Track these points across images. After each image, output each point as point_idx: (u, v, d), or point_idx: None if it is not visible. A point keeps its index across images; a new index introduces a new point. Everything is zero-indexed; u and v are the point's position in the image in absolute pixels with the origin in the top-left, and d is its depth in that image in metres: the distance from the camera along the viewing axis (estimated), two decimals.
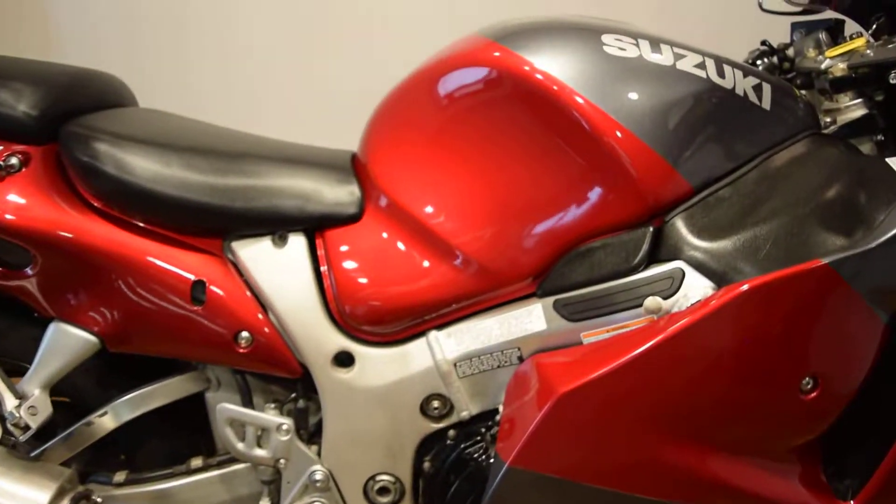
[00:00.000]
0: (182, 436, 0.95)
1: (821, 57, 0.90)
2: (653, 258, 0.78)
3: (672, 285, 0.76)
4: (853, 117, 0.89)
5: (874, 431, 0.81)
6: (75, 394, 0.93)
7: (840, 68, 0.86)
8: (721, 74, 0.81)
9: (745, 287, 0.72)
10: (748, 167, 0.81)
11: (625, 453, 0.76)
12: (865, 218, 0.76)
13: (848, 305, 0.73)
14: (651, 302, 0.75)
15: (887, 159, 0.82)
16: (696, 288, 0.75)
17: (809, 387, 0.75)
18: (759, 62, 0.99)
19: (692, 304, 0.74)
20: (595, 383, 0.74)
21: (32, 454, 0.89)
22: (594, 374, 0.74)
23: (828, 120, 0.90)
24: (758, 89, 0.84)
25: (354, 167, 0.90)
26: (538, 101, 0.78)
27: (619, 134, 0.76)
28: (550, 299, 0.81)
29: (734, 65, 0.83)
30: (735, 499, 0.80)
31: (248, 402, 0.89)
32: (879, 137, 0.87)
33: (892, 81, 0.82)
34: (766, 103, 0.84)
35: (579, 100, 0.77)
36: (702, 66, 0.81)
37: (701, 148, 0.79)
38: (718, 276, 0.75)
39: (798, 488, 0.82)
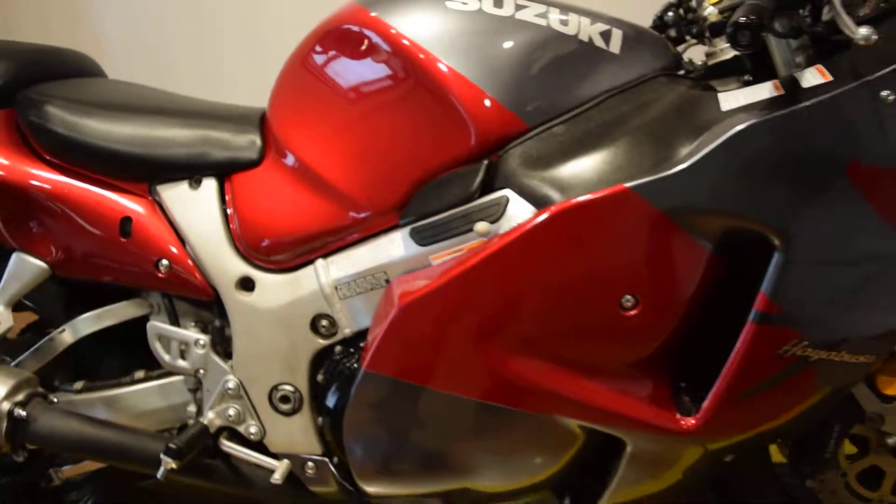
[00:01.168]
0: (134, 354, 1.13)
1: (704, 3, 0.96)
2: (488, 188, 0.87)
3: (498, 210, 0.85)
4: (724, 59, 0.94)
5: (715, 351, 0.87)
6: (46, 318, 1.13)
7: (714, 13, 0.92)
8: (564, 23, 0.89)
9: (553, 210, 0.80)
10: (588, 106, 0.89)
11: (462, 360, 0.86)
12: (680, 146, 0.82)
13: (656, 228, 0.80)
14: (480, 226, 0.85)
15: (719, 93, 0.88)
16: (519, 212, 0.84)
17: (630, 304, 0.83)
18: (666, 14, 1.06)
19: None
20: (429, 296, 0.84)
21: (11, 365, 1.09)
22: (427, 289, 0.84)
23: (709, 63, 0.96)
24: (606, 35, 0.91)
25: (262, 121, 1.04)
26: (385, 53, 0.89)
27: (454, 79, 0.87)
28: (408, 228, 0.92)
29: (584, 13, 0.91)
30: (578, 410, 0.88)
31: (175, 322, 1.05)
32: (747, 78, 0.92)
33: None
34: (615, 47, 0.91)
35: (419, 52, 0.87)
36: (543, 15, 0.89)
37: (536, 89, 0.88)
38: (539, 201, 0.84)
39: (642, 403, 0.89)
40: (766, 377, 0.86)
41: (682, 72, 0.97)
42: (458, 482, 0.94)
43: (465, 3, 0.89)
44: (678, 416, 0.89)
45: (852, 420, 1.04)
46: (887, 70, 0.76)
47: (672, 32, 1.05)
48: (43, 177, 1.02)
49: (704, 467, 0.95)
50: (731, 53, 0.93)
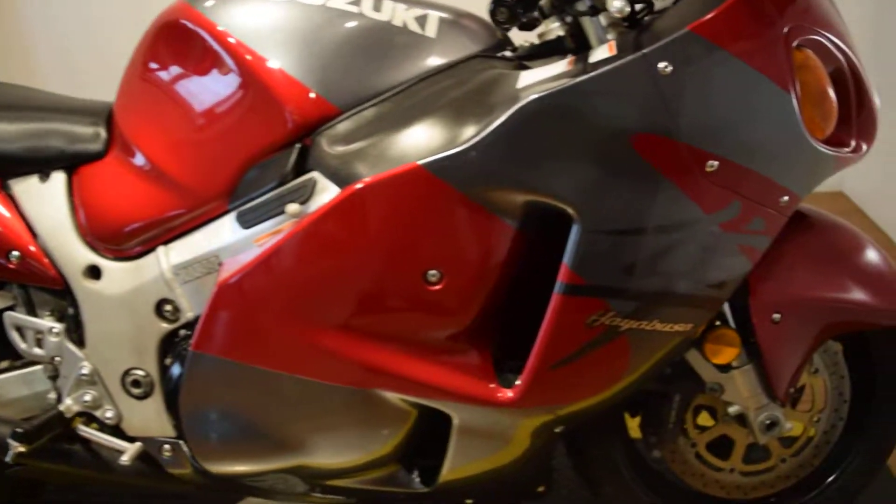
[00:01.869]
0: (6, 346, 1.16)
1: None
2: (301, 171, 0.90)
3: (307, 192, 0.88)
4: (549, 39, 0.97)
5: (535, 323, 0.90)
6: None
7: None
8: (377, 9, 0.92)
9: (348, 189, 0.83)
10: (400, 89, 0.91)
11: (279, 338, 0.89)
12: (474, 124, 0.85)
13: (449, 204, 0.83)
14: (290, 207, 0.87)
15: (522, 72, 0.90)
16: (326, 193, 0.87)
17: (435, 279, 0.86)
18: None
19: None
20: (243, 277, 0.88)
21: None
22: (241, 270, 0.87)
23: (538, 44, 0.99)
24: (421, 19, 0.94)
25: (109, 114, 1.06)
26: (202, 44, 0.92)
27: (266, 68, 0.89)
28: (234, 213, 0.95)
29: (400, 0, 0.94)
30: (396, 384, 0.91)
31: (32, 312, 1.08)
32: (570, 57, 0.95)
33: None
34: (431, 31, 0.94)
35: (231, 40, 0.90)
36: (356, 3, 0.92)
37: (347, 74, 0.91)
38: (343, 181, 0.86)
39: (461, 376, 0.92)
40: (576, 347, 0.88)
41: (507, 53, 0.99)
42: (295, 459, 0.97)
43: None
44: (498, 388, 0.92)
45: (693, 390, 1.06)
46: (663, 42, 0.79)
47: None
48: None
49: (539, 441, 0.98)
50: (557, 34, 0.96)
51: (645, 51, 0.79)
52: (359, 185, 0.83)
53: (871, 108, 0.95)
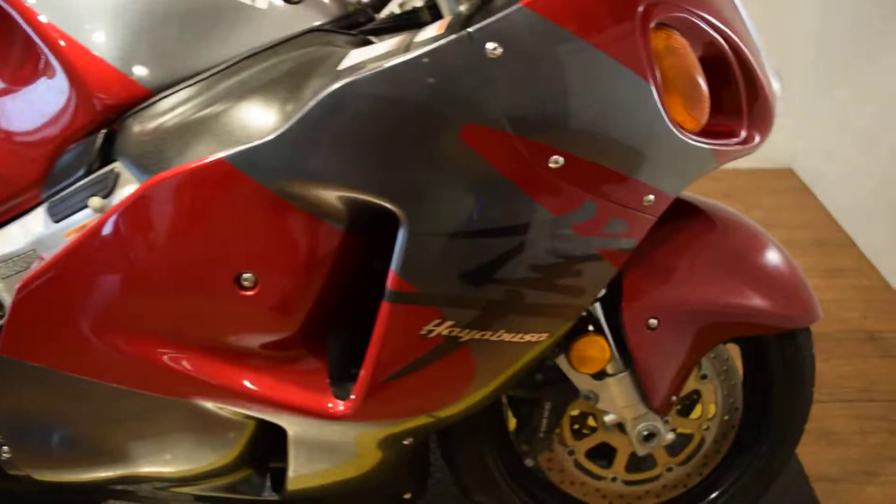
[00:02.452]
0: None
1: None
2: (107, 159, 0.81)
3: (108, 184, 0.79)
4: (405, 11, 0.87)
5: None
6: None
7: None
8: None
9: (146, 184, 0.74)
10: (221, 67, 0.81)
11: (82, 342, 0.81)
12: (288, 111, 0.76)
13: (261, 202, 0.73)
14: (93, 201, 0.78)
15: (352, 51, 0.80)
16: (129, 186, 0.78)
17: (249, 283, 0.77)
18: None
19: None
20: (40, 277, 0.79)
21: None
22: (38, 270, 0.79)
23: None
24: None
25: None
26: (9, 21, 0.81)
27: (70, 44, 0.79)
28: (47, 204, 0.85)
29: None
30: (219, 394, 0.83)
31: None
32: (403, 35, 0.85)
33: None
34: (263, 3, 0.84)
35: (41, 18, 0.79)
36: None
37: (160, 51, 0.80)
38: (146, 173, 0.77)
39: (290, 387, 0.84)
40: (411, 359, 0.80)
41: (362, 27, 0.89)
42: (124, 469, 0.90)
43: None
44: (331, 400, 0.84)
45: (566, 399, 0.99)
46: (491, 19, 0.68)
47: None
48: None
49: (390, 452, 0.91)
50: (413, 5, 0.86)
51: (470, 29, 0.68)
52: (156, 181, 0.73)
53: (765, 95, 0.85)
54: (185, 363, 0.81)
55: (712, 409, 1.06)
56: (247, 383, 0.83)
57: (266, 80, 0.79)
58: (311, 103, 0.70)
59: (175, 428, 0.87)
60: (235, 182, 0.73)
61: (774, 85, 0.91)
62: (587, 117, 0.72)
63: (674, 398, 0.96)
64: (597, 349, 0.91)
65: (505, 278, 0.78)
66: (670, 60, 0.75)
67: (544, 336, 0.83)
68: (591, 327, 0.93)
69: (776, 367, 1.03)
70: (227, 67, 0.81)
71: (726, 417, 1.06)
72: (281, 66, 0.80)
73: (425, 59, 0.69)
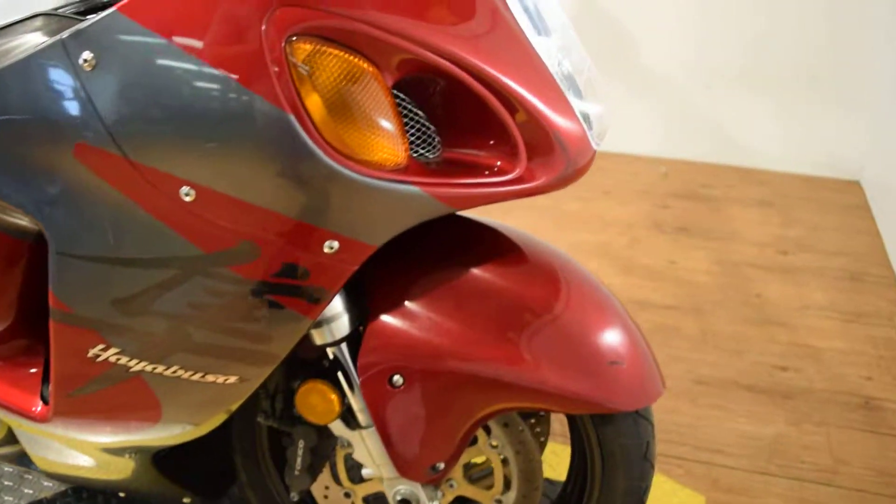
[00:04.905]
0: None
1: None
2: None
3: None
4: None
5: None
6: None
7: None
8: None
9: None
10: None
11: None
12: None
13: None
14: None
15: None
16: None
17: None
18: None
19: None
20: None
21: None
22: None
23: None
24: None
25: None
26: None
27: None
28: None
29: None
30: None
31: None
32: None
33: None
34: None
35: None
36: None
37: None
38: None
39: (9, 387, 0.81)
40: (88, 379, 0.74)
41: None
42: None
43: None
44: (35, 402, 0.80)
45: (321, 441, 0.87)
46: (83, 25, 0.57)
47: None
48: None
49: (135, 463, 0.86)
50: None
51: (63, 35, 0.57)
52: None
53: (542, 127, 0.66)
54: None
55: (501, 484, 0.90)
56: None
57: None
58: None
59: None
60: None
61: (590, 108, 0.71)
62: (213, 146, 0.59)
63: (439, 465, 0.82)
64: (320, 398, 0.79)
65: (163, 312, 0.68)
66: (325, 83, 0.58)
67: (233, 379, 0.73)
68: (326, 374, 0.80)
69: (594, 449, 0.85)
70: None
71: (524, 495, 0.89)
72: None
73: (20, 67, 0.59)
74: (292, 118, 0.57)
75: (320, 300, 0.68)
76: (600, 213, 2.16)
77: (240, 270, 0.65)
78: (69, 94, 0.58)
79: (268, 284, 0.66)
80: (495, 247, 0.81)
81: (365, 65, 0.59)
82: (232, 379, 0.73)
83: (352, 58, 0.58)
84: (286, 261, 0.65)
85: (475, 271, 0.78)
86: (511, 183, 0.68)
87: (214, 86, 0.56)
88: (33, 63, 0.58)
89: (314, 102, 0.57)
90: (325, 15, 0.56)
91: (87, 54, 0.57)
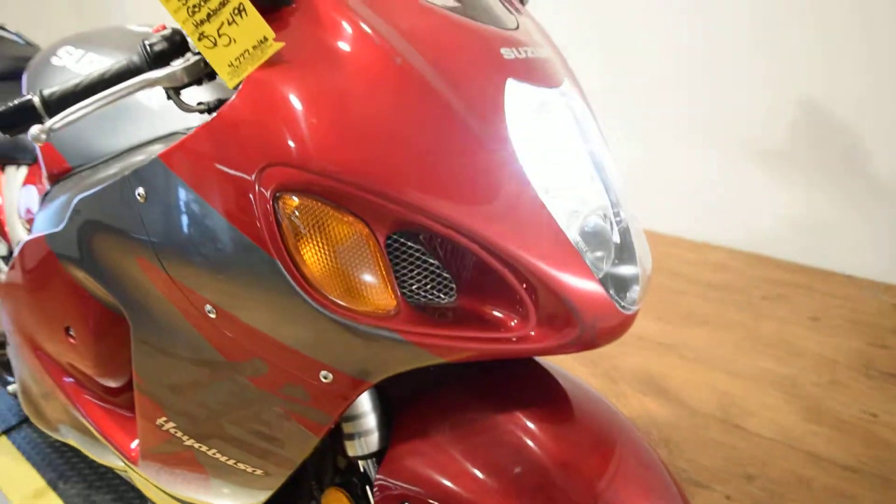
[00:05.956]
0: None
1: None
2: None
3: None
4: None
5: None
6: None
7: None
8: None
9: (23, 243, 0.95)
10: (118, 153, 0.97)
11: None
12: None
13: (55, 273, 0.89)
14: None
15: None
16: None
17: (72, 334, 0.93)
18: None
19: None
20: None
21: None
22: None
23: None
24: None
25: None
26: None
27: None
28: None
29: None
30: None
31: None
32: None
33: None
34: (155, 104, 0.97)
35: None
36: None
37: (78, 143, 1.00)
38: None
39: (108, 423, 1.00)
40: (158, 441, 0.88)
41: None
42: None
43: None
44: (135, 449, 0.97)
45: None
46: (139, 166, 0.71)
47: None
48: None
49: None
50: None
51: (126, 173, 0.72)
52: (26, 240, 0.94)
53: (552, 290, 0.65)
54: None
55: None
56: (80, 410, 1.01)
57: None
58: (69, 208, 0.82)
59: None
60: (46, 253, 0.89)
61: (624, 270, 0.69)
62: (223, 277, 0.68)
63: None
64: None
65: (203, 402, 0.79)
66: (309, 236, 0.64)
67: (260, 472, 0.81)
68: (353, 484, 0.84)
69: None
70: (120, 154, 0.97)
71: None
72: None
73: (109, 191, 0.75)
74: (278, 263, 0.64)
75: (323, 422, 0.73)
76: (797, 341, 1.90)
77: (254, 381, 0.73)
78: (133, 218, 0.73)
79: (276, 399, 0.73)
80: (546, 394, 0.78)
81: (351, 222, 0.63)
82: (259, 472, 0.81)
83: (338, 215, 0.63)
84: (289, 381, 0.71)
85: (514, 417, 0.74)
86: (516, 342, 0.66)
87: (221, 227, 0.65)
88: (115, 189, 0.74)
89: (300, 251, 0.64)
90: (312, 176, 0.62)
91: (140, 189, 0.71)
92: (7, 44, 1.65)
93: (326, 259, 0.64)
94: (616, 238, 0.73)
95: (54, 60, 1.07)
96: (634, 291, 0.72)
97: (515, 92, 0.68)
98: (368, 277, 0.64)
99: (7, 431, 1.71)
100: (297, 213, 0.63)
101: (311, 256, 0.64)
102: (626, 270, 0.72)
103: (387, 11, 0.67)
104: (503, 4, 0.82)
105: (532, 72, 0.70)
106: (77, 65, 1.03)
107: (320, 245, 0.64)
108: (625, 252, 0.73)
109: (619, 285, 0.71)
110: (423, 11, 0.69)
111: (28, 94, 0.68)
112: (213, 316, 0.71)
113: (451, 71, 0.65)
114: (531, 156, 0.68)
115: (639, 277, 0.72)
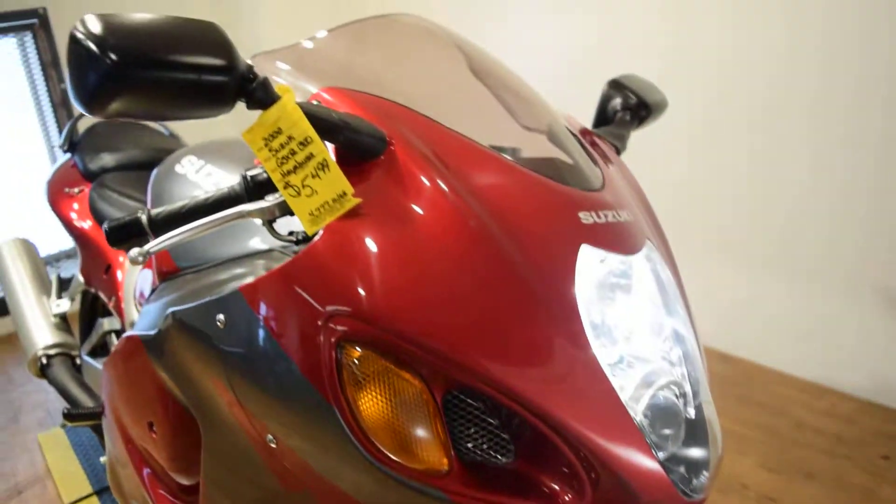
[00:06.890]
0: None
1: None
2: None
3: None
4: None
5: None
6: None
7: None
8: None
9: (123, 338, 1.02)
10: (220, 262, 1.03)
11: None
12: None
13: (149, 374, 0.94)
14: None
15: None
16: None
17: (154, 428, 0.98)
18: None
19: None
20: None
21: None
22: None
23: None
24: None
25: None
26: None
27: None
28: None
29: None
30: None
31: None
32: None
33: None
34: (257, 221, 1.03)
35: None
36: None
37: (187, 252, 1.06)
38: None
39: None
40: None
41: None
42: None
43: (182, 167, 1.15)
44: None
45: None
46: (222, 294, 0.75)
47: None
48: None
49: None
50: None
51: (209, 298, 0.75)
52: (125, 336, 1.01)
53: (608, 466, 0.62)
54: None
55: None
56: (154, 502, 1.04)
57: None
58: (162, 318, 0.87)
59: None
60: (141, 354, 0.95)
61: (693, 452, 0.64)
62: (284, 411, 0.69)
63: None
64: None
65: None
66: (367, 387, 0.64)
67: None
68: None
69: None
70: (221, 263, 1.03)
71: None
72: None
73: (195, 310, 0.79)
74: (335, 409, 0.64)
75: None
76: None
77: None
78: (212, 340, 0.76)
79: None
80: None
81: (410, 379, 0.63)
82: None
83: (398, 371, 0.63)
84: None
85: None
86: None
87: (285, 366, 0.67)
88: (201, 311, 0.78)
89: (357, 400, 0.64)
90: (377, 331, 0.62)
91: (220, 316, 0.74)
92: (152, 134, 1.84)
93: (382, 412, 0.63)
94: (690, 414, 0.68)
95: (178, 168, 1.18)
96: (704, 477, 0.66)
97: (589, 258, 0.66)
98: (423, 434, 0.63)
99: (99, 492, 1.81)
100: (357, 363, 0.63)
101: (368, 408, 0.64)
102: (695, 453, 0.66)
103: (468, 169, 0.68)
104: (592, 157, 0.81)
105: (610, 237, 0.69)
106: (196, 175, 1.12)
107: (378, 398, 0.63)
108: (697, 432, 0.68)
109: (688, 468, 0.66)
110: (504, 170, 0.70)
111: (138, 213, 0.74)
112: (273, 445, 0.72)
113: (524, 235, 0.65)
114: (599, 323, 0.65)
115: (709, 462, 0.67)
